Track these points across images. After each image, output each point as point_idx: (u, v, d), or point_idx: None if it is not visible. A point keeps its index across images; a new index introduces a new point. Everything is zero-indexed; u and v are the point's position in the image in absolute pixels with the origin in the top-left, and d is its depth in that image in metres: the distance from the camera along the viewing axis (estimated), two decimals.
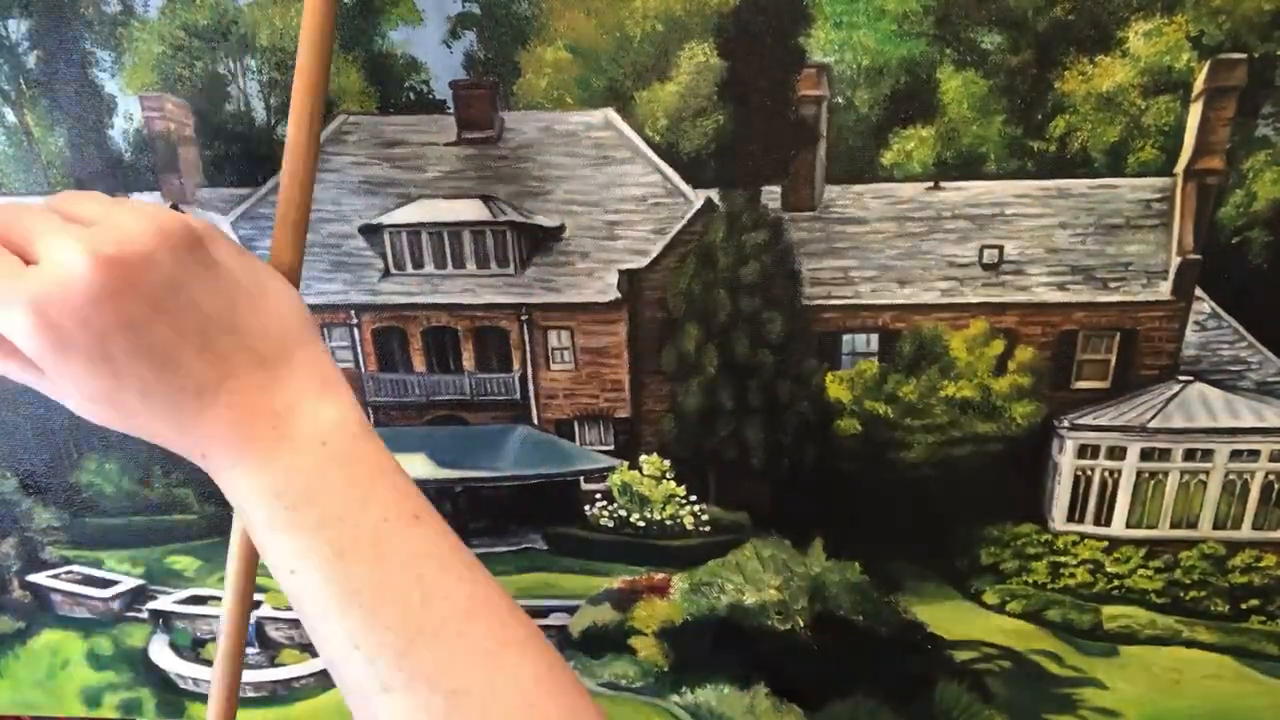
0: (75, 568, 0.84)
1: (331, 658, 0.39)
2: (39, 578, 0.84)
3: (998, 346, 0.68)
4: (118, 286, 0.36)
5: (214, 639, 0.86)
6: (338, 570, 0.39)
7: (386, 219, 0.68)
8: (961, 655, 0.78)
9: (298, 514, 0.39)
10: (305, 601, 0.39)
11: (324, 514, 0.39)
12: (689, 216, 0.66)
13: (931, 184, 0.64)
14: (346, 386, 0.43)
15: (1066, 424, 0.70)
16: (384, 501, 0.40)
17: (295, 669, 0.85)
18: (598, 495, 0.76)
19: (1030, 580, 0.74)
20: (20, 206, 0.39)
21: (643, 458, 0.74)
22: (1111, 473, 0.71)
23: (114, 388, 0.39)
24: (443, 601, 0.39)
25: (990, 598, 0.75)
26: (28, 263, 0.37)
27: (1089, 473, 0.71)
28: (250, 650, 0.85)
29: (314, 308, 0.71)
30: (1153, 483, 0.71)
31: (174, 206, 0.65)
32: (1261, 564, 0.71)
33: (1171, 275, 0.65)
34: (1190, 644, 0.75)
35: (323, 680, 0.85)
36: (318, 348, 0.43)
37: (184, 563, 0.83)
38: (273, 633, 0.85)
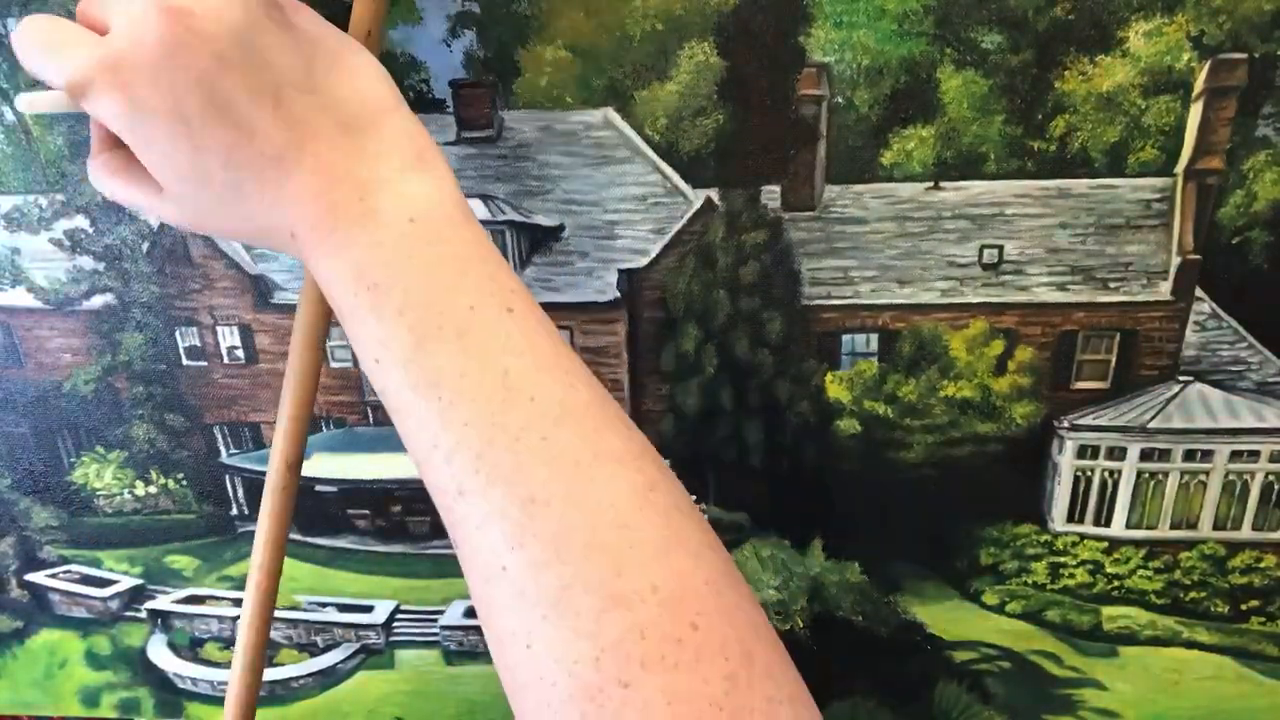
0: (73, 567, 0.83)
1: (417, 460, 0.37)
2: (37, 577, 0.84)
3: (997, 346, 0.68)
4: (183, 38, 0.35)
5: (212, 638, 0.85)
6: (417, 359, 0.36)
7: None
8: (961, 656, 0.78)
9: (378, 296, 0.37)
10: (389, 396, 0.37)
11: (406, 298, 0.37)
12: (688, 216, 0.66)
13: (931, 184, 0.64)
14: (445, 163, 0.40)
15: (1066, 424, 0.69)
16: (475, 289, 0.37)
17: (294, 669, 0.85)
18: None
19: (1030, 581, 0.74)
20: None
21: None
22: (1111, 473, 0.71)
23: (196, 157, 0.38)
24: (529, 403, 0.35)
25: (990, 598, 0.75)
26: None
27: (1089, 473, 0.71)
28: None
29: None
30: (1152, 483, 0.71)
31: None
32: (1262, 565, 0.71)
33: (1172, 275, 0.64)
34: (1190, 645, 0.74)
35: (322, 680, 0.85)
36: (410, 119, 0.41)
37: (183, 562, 0.83)
38: (272, 632, 0.84)
